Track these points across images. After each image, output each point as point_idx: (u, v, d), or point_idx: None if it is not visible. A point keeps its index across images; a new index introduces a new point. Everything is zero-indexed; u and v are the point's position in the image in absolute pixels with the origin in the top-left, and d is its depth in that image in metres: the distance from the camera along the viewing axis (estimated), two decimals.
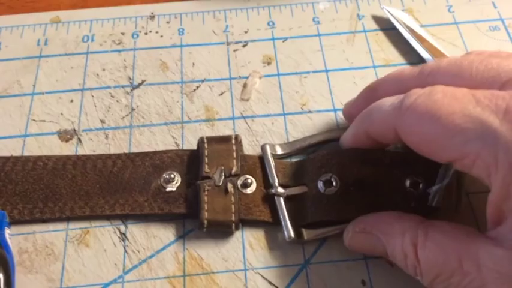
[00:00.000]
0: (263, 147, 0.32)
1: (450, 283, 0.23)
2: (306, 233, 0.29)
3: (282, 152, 0.32)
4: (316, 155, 0.31)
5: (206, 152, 0.31)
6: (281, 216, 0.29)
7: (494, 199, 0.22)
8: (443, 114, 0.22)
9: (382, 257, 0.27)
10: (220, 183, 0.30)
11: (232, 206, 0.29)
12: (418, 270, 0.24)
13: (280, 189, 0.30)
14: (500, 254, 0.21)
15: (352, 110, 0.31)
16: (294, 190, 0.30)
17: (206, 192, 0.30)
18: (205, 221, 0.29)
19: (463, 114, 0.22)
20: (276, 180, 0.30)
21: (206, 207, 0.29)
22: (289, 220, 0.29)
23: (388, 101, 0.26)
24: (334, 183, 0.29)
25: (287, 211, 0.30)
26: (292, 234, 0.29)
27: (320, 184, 0.29)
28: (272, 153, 0.32)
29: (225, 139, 0.32)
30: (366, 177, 0.29)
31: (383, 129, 0.26)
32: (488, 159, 0.21)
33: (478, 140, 0.21)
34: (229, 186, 0.30)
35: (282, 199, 0.30)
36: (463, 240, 0.23)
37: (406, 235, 0.25)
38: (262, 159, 0.32)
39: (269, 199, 0.30)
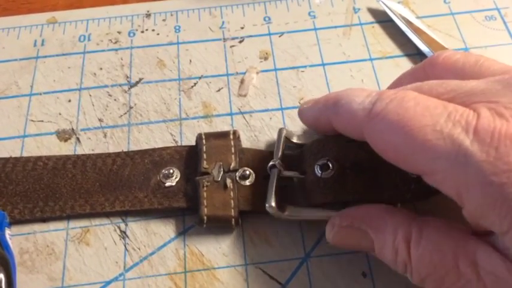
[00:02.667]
0: (280, 130, 0.31)
1: (443, 282, 0.22)
2: (289, 210, 0.29)
3: (297, 141, 0.32)
4: (313, 142, 0.30)
5: (204, 148, 0.31)
6: (269, 187, 0.29)
7: (470, 218, 0.22)
8: (415, 126, 0.22)
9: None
10: (219, 179, 0.30)
11: (232, 201, 0.29)
12: (408, 268, 0.24)
13: (278, 164, 0.30)
14: (499, 260, 0.21)
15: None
16: (291, 173, 0.30)
17: (205, 188, 0.30)
18: (205, 217, 0.29)
19: (434, 129, 0.21)
20: (279, 155, 0.30)
21: (205, 203, 0.29)
22: (275, 193, 0.29)
23: (359, 98, 0.25)
24: (330, 166, 0.29)
25: (286, 196, 0.30)
26: (273, 203, 0.28)
27: (317, 168, 0.29)
28: (286, 137, 0.31)
29: (223, 135, 0.32)
30: (363, 160, 0.29)
31: (348, 127, 0.26)
32: (458, 179, 0.21)
33: (449, 158, 0.21)
34: (228, 181, 0.30)
35: (276, 172, 0.29)
36: (459, 240, 0.23)
37: (398, 231, 0.24)
38: (261, 152, 0.32)
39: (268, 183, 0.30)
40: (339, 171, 0.29)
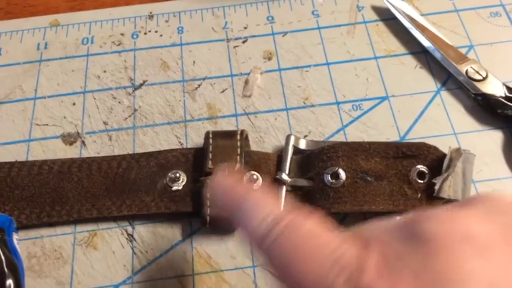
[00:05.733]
0: (288, 137, 0.32)
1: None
2: None
3: (305, 148, 0.32)
4: (321, 149, 0.30)
5: (211, 147, 0.31)
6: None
7: None
8: (298, 271, 0.19)
9: None
10: None
11: None
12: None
13: (285, 176, 0.30)
14: None
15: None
16: (299, 182, 0.30)
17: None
18: (208, 217, 0.29)
19: (315, 279, 0.19)
20: (287, 169, 0.30)
21: (208, 203, 0.29)
22: None
23: (256, 219, 0.22)
24: (340, 176, 0.29)
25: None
26: None
27: (327, 177, 0.29)
28: (294, 146, 0.31)
29: (231, 134, 0.31)
30: (372, 169, 0.29)
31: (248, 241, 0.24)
32: None
33: None
34: None
35: (284, 190, 0.30)
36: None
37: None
38: (267, 155, 0.32)
39: (275, 194, 0.30)
40: (348, 180, 0.29)
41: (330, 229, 0.20)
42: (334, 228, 0.20)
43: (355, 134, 0.33)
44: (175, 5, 0.41)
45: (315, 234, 0.20)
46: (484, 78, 0.34)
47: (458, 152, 0.29)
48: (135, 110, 0.35)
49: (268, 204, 0.23)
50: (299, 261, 0.20)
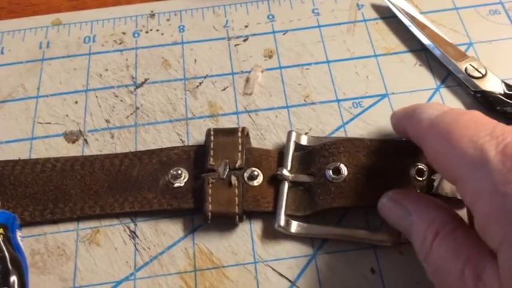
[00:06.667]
0: (289, 133, 0.32)
1: (445, 281, 0.23)
2: (294, 227, 0.29)
3: (306, 144, 0.32)
4: (322, 145, 0.31)
5: (212, 144, 0.31)
6: (279, 202, 0.30)
7: (479, 232, 0.22)
8: (456, 135, 0.23)
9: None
10: (225, 176, 0.30)
11: (236, 198, 0.30)
12: (427, 258, 0.24)
13: (286, 172, 0.30)
14: (497, 283, 0.21)
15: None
16: (301, 177, 0.30)
17: (210, 185, 0.30)
18: (209, 213, 0.29)
19: (471, 139, 0.22)
20: (289, 165, 0.30)
21: (210, 200, 0.29)
22: (285, 208, 0.29)
23: (431, 110, 0.26)
24: (342, 171, 0.29)
25: (295, 201, 0.30)
26: (281, 222, 0.29)
27: (329, 172, 0.29)
28: (296, 142, 0.32)
29: (232, 131, 0.32)
30: (372, 165, 0.29)
31: (415, 134, 0.27)
32: (473, 186, 0.21)
33: (471, 166, 0.21)
34: (233, 179, 0.30)
35: (286, 186, 0.30)
36: (478, 251, 0.22)
37: (434, 222, 0.24)
38: (268, 152, 0.32)
39: (275, 190, 0.30)
40: (350, 176, 0.29)
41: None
42: None
43: (356, 131, 0.34)
44: (177, 3, 0.41)
45: (477, 116, 0.24)
46: (483, 76, 0.34)
47: None
48: (137, 108, 0.35)
49: (437, 105, 0.27)
50: (458, 130, 0.23)
